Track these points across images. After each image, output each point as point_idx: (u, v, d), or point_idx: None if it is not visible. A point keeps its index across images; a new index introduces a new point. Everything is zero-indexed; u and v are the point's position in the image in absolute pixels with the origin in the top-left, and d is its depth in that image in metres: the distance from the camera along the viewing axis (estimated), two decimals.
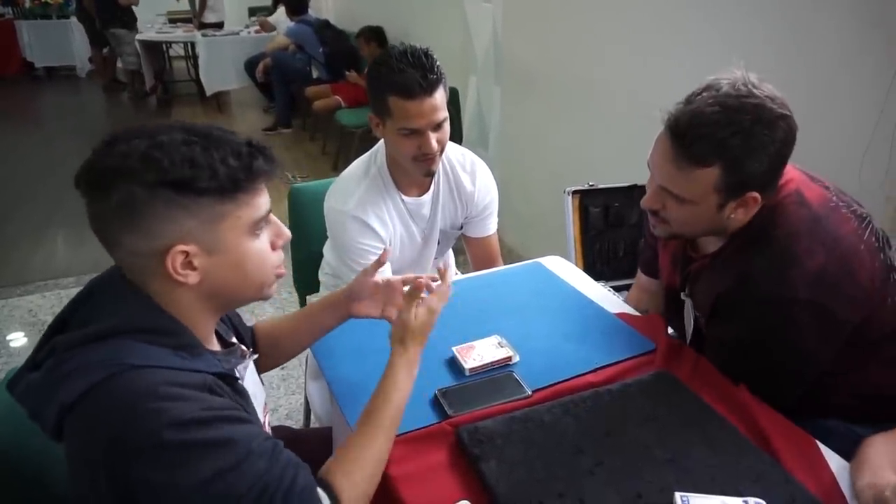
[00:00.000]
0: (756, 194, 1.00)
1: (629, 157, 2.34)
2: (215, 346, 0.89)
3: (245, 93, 6.63)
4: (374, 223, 1.47)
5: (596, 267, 1.94)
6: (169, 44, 6.90)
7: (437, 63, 1.34)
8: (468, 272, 1.72)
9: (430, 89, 1.32)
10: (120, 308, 0.77)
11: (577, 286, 1.46)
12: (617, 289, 1.67)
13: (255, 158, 0.77)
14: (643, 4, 2.18)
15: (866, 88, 1.47)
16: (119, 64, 7.04)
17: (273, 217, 0.84)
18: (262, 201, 0.80)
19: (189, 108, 6.55)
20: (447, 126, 1.40)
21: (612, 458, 0.93)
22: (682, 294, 1.24)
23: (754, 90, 0.97)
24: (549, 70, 2.83)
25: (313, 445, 1.22)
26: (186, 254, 0.75)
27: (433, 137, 1.36)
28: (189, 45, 6.70)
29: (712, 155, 0.97)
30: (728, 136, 0.95)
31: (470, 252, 1.78)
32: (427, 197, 1.55)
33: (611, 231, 1.95)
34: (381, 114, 1.38)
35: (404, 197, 1.52)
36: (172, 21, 6.99)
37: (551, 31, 2.77)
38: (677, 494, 0.84)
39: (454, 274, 1.84)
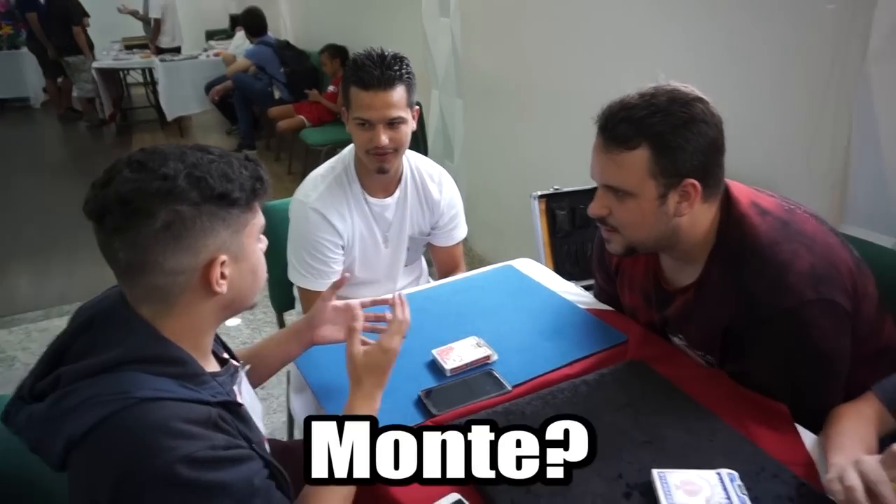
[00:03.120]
0: (695, 182, 1.01)
1: (590, 160, 2.44)
2: (213, 365, 0.91)
3: (206, 116, 6.59)
4: (334, 218, 1.51)
5: (565, 267, 1.99)
6: (126, 70, 6.82)
7: (405, 67, 1.41)
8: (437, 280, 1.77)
9: (385, 84, 1.38)
10: (124, 337, 0.78)
11: (549, 286, 1.51)
12: (587, 288, 1.72)
13: (259, 169, 0.83)
14: (596, 14, 2.27)
15: (808, 88, 1.56)
16: (74, 93, 6.94)
17: None
18: (259, 210, 0.85)
19: (150, 135, 6.47)
20: (404, 129, 1.45)
21: None
22: (668, 334, 1.24)
23: (667, 84, 1.03)
24: (509, 80, 2.90)
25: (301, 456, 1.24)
26: (223, 263, 0.79)
27: (384, 133, 1.41)
28: (147, 70, 6.64)
29: (636, 135, 1.00)
30: (647, 115, 1.00)
31: (435, 260, 1.82)
32: (391, 200, 1.59)
33: (577, 232, 2.01)
34: (346, 105, 1.47)
35: (368, 197, 1.56)
36: (129, 47, 6.91)
37: (508, 42, 2.85)
38: (654, 471, 0.88)
39: (427, 281, 1.88)
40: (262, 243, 0.88)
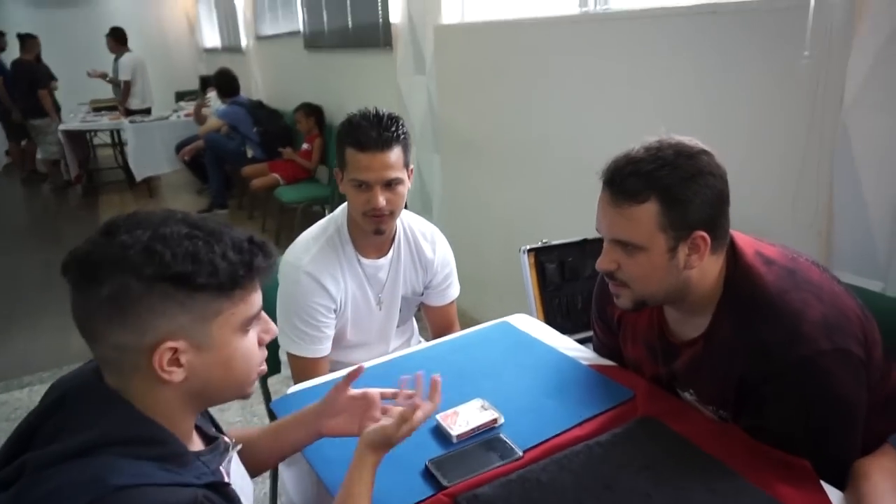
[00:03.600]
0: (704, 234, 1.01)
1: (573, 212, 2.45)
2: (197, 444, 0.84)
3: (176, 176, 6.54)
4: (327, 281, 1.47)
5: (556, 321, 1.97)
6: (94, 132, 6.75)
7: (402, 126, 1.40)
8: (429, 340, 1.72)
9: (382, 145, 1.37)
10: (99, 416, 0.71)
11: (548, 341, 1.48)
12: (580, 341, 1.69)
13: (256, 255, 0.75)
14: (572, 71, 2.33)
15: (789, 136, 1.61)
16: (39, 155, 6.83)
17: (262, 313, 0.81)
18: (257, 298, 0.78)
19: (118, 196, 6.37)
20: (401, 189, 1.43)
21: None
22: (676, 389, 1.22)
23: (672, 137, 1.04)
24: (487, 135, 2.94)
25: None
26: (175, 350, 0.71)
27: (382, 195, 1.39)
28: (115, 132, 6.58)
29: (645, 188, 1.00)
30: (655, 168, 1.00)
31: (429, 320, 1.78)
32: (384, 261, 1.55)
33: (567, 285, 2.00)
34: (341, 166, 1.45)
35: (361, 258, 1.52)
36: (97, 109, 6.86)
37: (485, 99, 2.90)
38: None
39: (418, 342, 1.83)
40: (251, 334, 0.79)
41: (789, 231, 1.63)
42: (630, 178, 1.01)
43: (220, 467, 0.84)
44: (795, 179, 1.60)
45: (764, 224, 1.70)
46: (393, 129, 1.37)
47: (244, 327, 0.77)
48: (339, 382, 1.06)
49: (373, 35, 3.79)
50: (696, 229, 1.01)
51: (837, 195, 1.54)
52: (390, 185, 1.39)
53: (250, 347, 0.79)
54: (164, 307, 0.69)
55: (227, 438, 0.91)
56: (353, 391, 1.05)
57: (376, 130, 1.35)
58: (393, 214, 1.43)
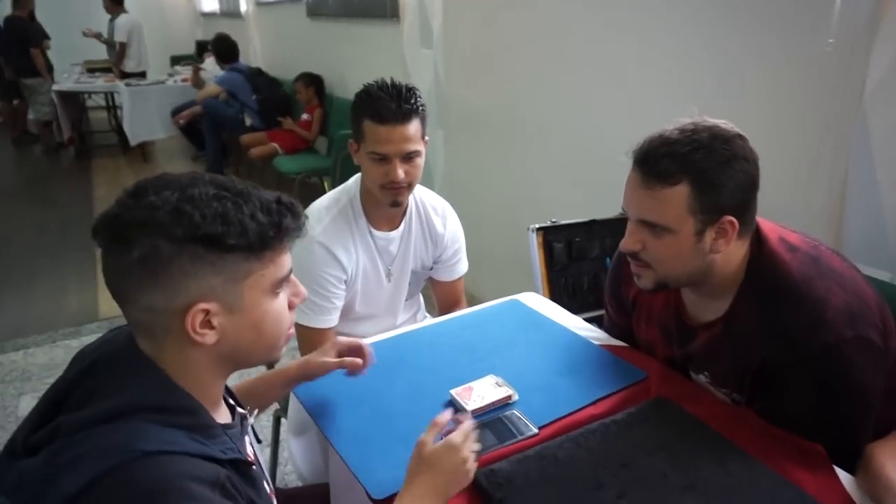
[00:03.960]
0: (732, 219, 1.01)
1: (578, 192, 2.45)
2: (224, 413, 0.84)
3: (171, 142, 6.45)
4: (339, 252, 1.46)
5: (563, 301, 1.97)
6: (88, 94, 6.63)
7: (419, 98, 1.38)
8: (435, 315, 1.72)
9: (402, 118, 1.35)
10: (130, 382, 0.71)
11: (558, 320, 1.48)
12: (587, 321, 1.70)
13: (284, 216, 0.74)
14: (583, 48, 2.30)
15: (807, 124, 1.60)
16: (30, 115, 6.70)
17: (292, 276, 0.81)
18: (287, 260, 0.77)
19: (111, 160, 6.28)
20: (419, 161, 1.42)
21: (633, 489, 0.93)
22: (689, 371, 1.22)
23: (706, 120, 1.03)
24: (493, 111, 2.91)
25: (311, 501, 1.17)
26: (207, 312, 0.71)
27: (401, 167, 1.38)
28: (109, 94, 6.46)
29: (678, 171, 0.99)
30: (689, 151, 0.99)
31: (436, 295, 1.78)
32: (396, 233, 1.55)
33: (574, 265, 2.00)
34: (357, 138, 1.42)
35: (373, 230, 1.51)
36: (91, 70, 6.73)
37: (493, 74, 2.86)
38: None
39: (424, 317, 1.83)
40: (281, 297, 0.78)
41: (801, 217, 1.63)
42: (664, 160, 1.00)
43: (245, 439, 0.84)
44: (810, 167, 1.60)
45: (775, 209, 1.69)
46: (412, 101, 1.35)
47: (274, 289, 0.76)
48: (331, 366, 1.12)
49: (379, 4, 3.72)
50: (725, 214, 1.00)
51: (852, 184, 1.54)
52: (409, 157, 1.38)
53: (280, 310, 0.78)
54: (195, 268, 0.69)
55: (240, 409, 0.91)
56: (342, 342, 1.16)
57: (396, 102, 1.33)
58: (410, 186, 1.42)
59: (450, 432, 0.94)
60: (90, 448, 0.65)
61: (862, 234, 1.57)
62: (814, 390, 1.01)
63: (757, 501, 0.90)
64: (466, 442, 0.93)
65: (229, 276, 0.71)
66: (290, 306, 0.81)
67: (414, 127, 1.37)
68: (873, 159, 1.50)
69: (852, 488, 0.95)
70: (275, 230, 0.73)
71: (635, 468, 0.97)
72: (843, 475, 0.97)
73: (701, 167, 0.98)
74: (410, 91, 1.37)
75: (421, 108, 1.38)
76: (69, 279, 3.67)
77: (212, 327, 0.72)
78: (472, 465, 0.92)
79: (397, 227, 1.54)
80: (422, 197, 1.59)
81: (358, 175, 1.51)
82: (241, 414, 0.88)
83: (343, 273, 1.46)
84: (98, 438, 0.66)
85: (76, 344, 2.92)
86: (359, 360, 1.14)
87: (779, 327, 1.02)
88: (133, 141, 5.85)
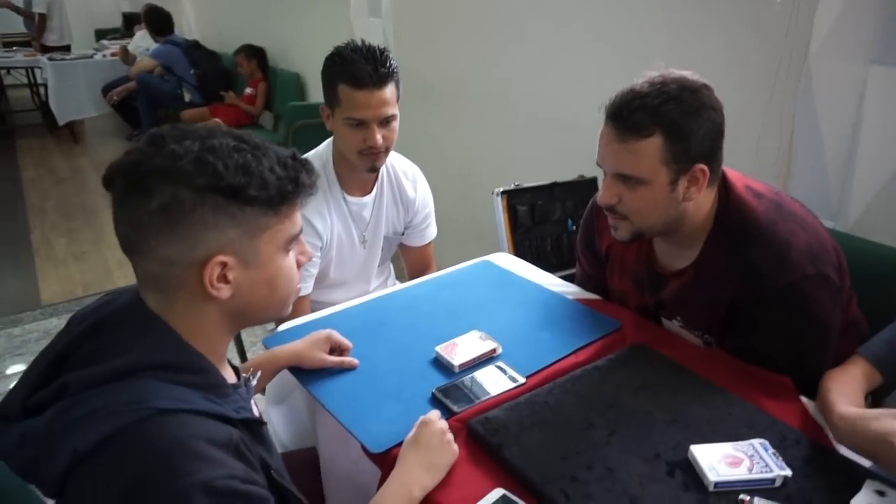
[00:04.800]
0: (703, 166, 1.06)
1: (533, 158, 2.49)
2: (229, 373, 0.83)
3: (103, 120, 6.12)
4: (315, 219, 1.45)
5: (527, 262, 2.02)
6: (6, 70, 6.20)
7: (392, 61, 1.36)
8: (405, 282, 1.73)
9: (379, 82, 1.33)
10: (139, 339, 0.70)
11: (531, 278, 1.52)
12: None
13: (300, 171, 0.74)
14: (534, 12, 2.31)
15: (757, 84, 1.67)
16: None
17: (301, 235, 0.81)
18: (299, 217, 0.77)
19: (37, 140, 5.92)
20: (395, 125, 1.41)
21: (622, 426, 0.98)
22: (662, 317, 1.27)
23: (673, 72, 1.08)
24: (446, 79, 2.91)
25: (296, 467, 1.17)
26: (224, 265, 0.70)
27: (379, 132, 1.37)
28: (31, 70, 6.06)
29: (651, 122, 1.03)
30: (660, 102, 1.03)
31: (406, 260, 1.79)
32: (368, 199, 1.54)
33: (537, 227, 2.05)
34: (331, 104, 1.40)
35: (346, 196, 1.50)
36: (7, 45, 6.28)
37: (445, 42, 2.85)
38: (692, 448, 0.90)
39: (394, 283, 1.83)
40: (291, 255, 0.78)
41: (751, 171, 1.71)
42: (637, 113, 1.03)
43: (252, 400, 0.84)
44: (760, 123, 1.69)
45: (727, 164, 1.78)
46: (387, 64, 1.34)
47: (287, 246, 0.76)
48: (323, 360, 1.14)
49: None
50: (696, 162, 1.05)
51: (797, 139, 1.63)
52: (386, 121, 1.37)
53: (292, 267, 0.78)
54: (216, 219, 0.68)
55: (245, 374, 0.90)
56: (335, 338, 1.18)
57: (372, 66, 1.32)
58: (387, 150, 1.42)
59: None
60: (102, 405, 0.64)
61: (806, 186, 1.67)
62: (780, 325, 1.08)
63: (735, 429, 0.96)
64: (435, 419, 0.97)
65: (247, 230, 0.71)
66: (298, 264, 0.81)
67: (390, 90, 1.36)
68: (817, 116, 1.59)
69: (815, 414, 1.03)
70: (293, 185, 0.73)
71: (622, 408, 1.02)
72: (807, 402, 1.06)
73: (672, 118, 1.02)
74: (384, 53, 1.35)
75: (395, 70, 1.37)
76: (4, 265, 3.48)
77: (227, 281, 0.71)
78: (451, 436, 0.95)
79: (370, 192, 1.53)
80: (392, 161, 1.59)
81: (329, 140, 1.49)
82: (245, 377, 0.87)
83: (318, 240, 1.45)
84: (110, 395, 0.65)
85: (18, 332, 2.78)
86: (356, 362, 1.17)
87: (747, 268, 1.08)
88: (61, 120, 5.51)
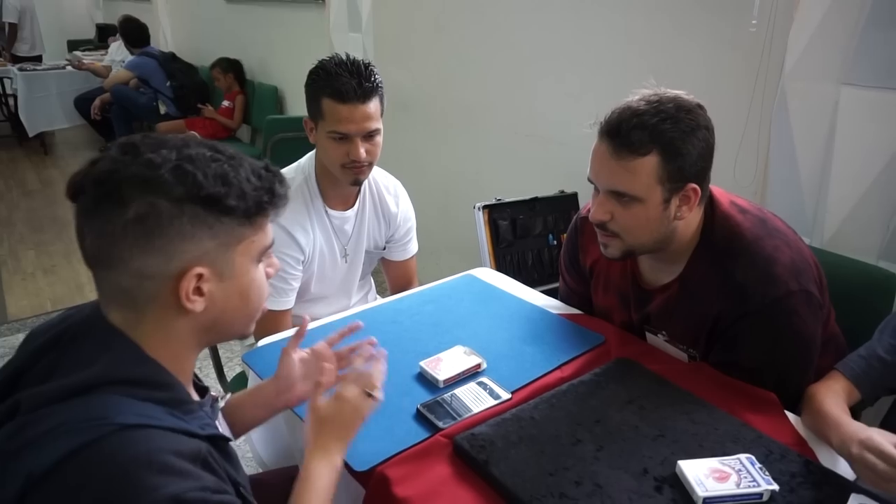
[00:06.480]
0: (696, 186, 1.07)
1: (512, 173, 2.50)
2: (194, 391, 0.80)
3: (75, 132, 6.00)
4: (298, 233, 1.43)
5: (508, 276, 2.02)
6: None
7: (377, 75, 1.35)
8: (386, 296, 1.71)
9: (363, 97, 1.33)
10: (101, 354, 0.67)
11: (514, 293, 1.51)
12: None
13: (274, 182, 0.72)
14: (514, 29, 2.34)
15: (734, 102, 1.71)
16: None
17: None
18: (270, 229, 0.76)
19: (5, 152, 5.77)
20: (379, 139, 1.41)
21: (609, 441, 0.97)
22: (647, 332, 1.27)
23: (667, 91, 1.08)
24: (426, 95, 2.92)
25: (277, 485, 1.14)
26: (200, 277, 0.68)
27: (362, 146, 1.36)
28: (0, 80, 5.93)
29: (649, 141, 1.03)
30: (658, 121, 1.03)
31: (388, 275, 1.77)
32: (351, 213, 1.53)
33: (519, 242, 2.05)
34: (314, 117, 1.38)
35: (329, 209, 1.49)
36: None
37: (425, 57, 2.87)
38: (680, 463, 0.90)
39: (374, 298, 1.81)
40: (261, 267, 0.76)
41: (730, 189, 1.74)
42: (635, 131, 1.02)
43: (219, 418, 0.82)
44: (738, 142, 1.72)
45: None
46: (372, 78, 1.34)
47: (259, 257, 0.75)
48: (288, 345, 1.02)
49: None
50: (689, 182, 1.06)
51: (773, 156, 1.66)
52: (370, 135, 1.36)
53: (263, 279, 0.77)
54: (194, 230, 0.66)
55: (212, 393, 0.87)
56: (302, 353, 1.03)
57: (356, 80, 1.31)
58: (371, 165, 1.41)
59: None
60: (59, 422, 0.61)
61: (782, 204, 1.70)
62: (764, 340, 1.09)
63: (721, 443, 0.96)
64: (351, 386, 0.90)
65: (223, 241, 0.69)
66: (267, 277, 0.79)
67: (374, 105, 1.35)
68: (792, 133, 1.63)
69: (800, 427, 1.04)
70: (268, 195, 0.71)
71: (608, 423, 1.02)
72: (791, 417, 1.06)
73: (669, 137, 1.02)
74: (369, 68, 1.35)
75: (380, 85, 1.36)
76: None
77: (201, 294, 0.69)
78: (364, 404, 0.90)
79: (352, 206, 1.52)
80: (374, 176, 1.58)
81: (311, 154, 1.47)
82: (212, 396, 0.85)
83: (301, 254, 1.43)
84: (68, 412, 0.62)
85: None
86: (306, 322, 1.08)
87: (732, 283, 1.09)
88: (31, 131, 5.39)
